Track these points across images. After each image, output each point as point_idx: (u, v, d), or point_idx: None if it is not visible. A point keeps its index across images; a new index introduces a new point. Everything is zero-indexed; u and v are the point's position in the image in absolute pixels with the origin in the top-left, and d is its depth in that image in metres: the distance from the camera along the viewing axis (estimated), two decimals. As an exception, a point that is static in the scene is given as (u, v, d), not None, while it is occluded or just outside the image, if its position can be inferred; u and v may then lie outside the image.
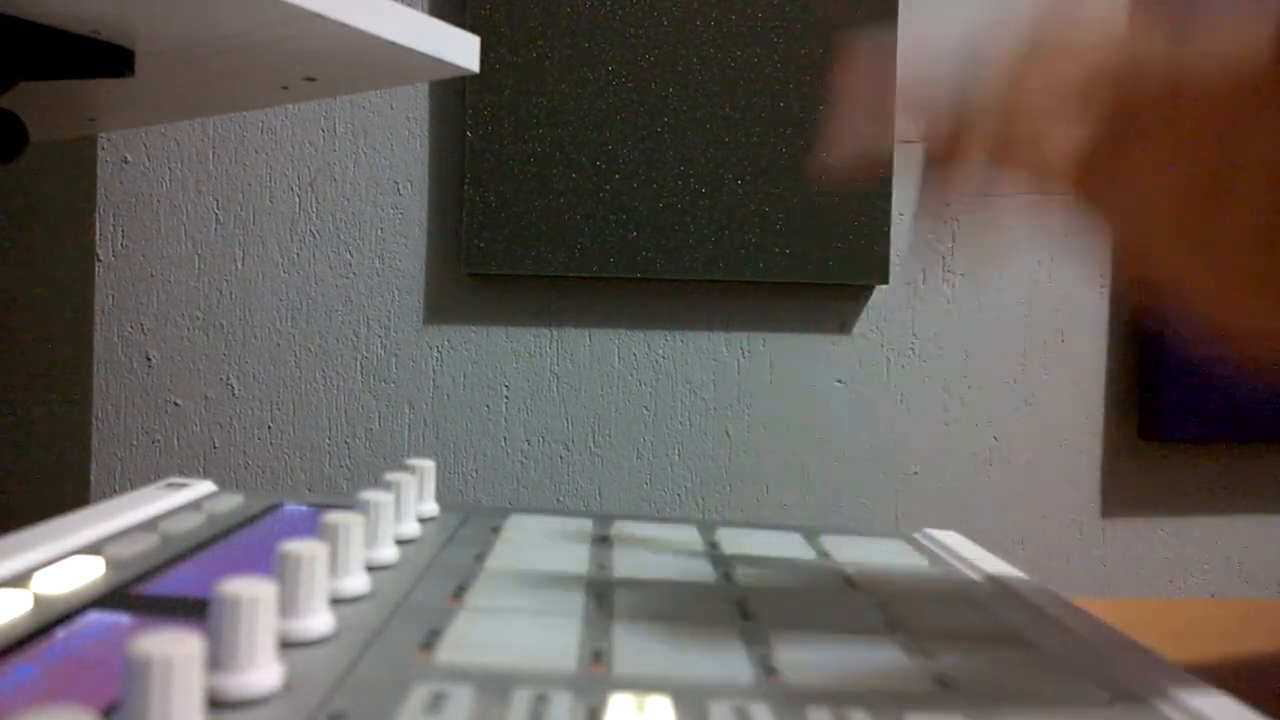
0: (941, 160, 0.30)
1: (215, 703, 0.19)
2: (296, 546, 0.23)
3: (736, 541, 0.38)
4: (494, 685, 0.21)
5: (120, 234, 1.21)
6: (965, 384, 1.27)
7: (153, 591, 0.27)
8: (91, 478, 1.21)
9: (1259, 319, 0.28)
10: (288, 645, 0.23)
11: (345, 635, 0.24)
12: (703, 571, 0.33)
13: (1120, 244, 0.30)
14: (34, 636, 0.23)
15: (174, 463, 1.21)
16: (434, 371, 1.23)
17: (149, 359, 1.21)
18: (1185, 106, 0.26)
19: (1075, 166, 0.29)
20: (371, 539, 0.30)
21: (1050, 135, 0.28)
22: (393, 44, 0.54)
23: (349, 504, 0.37)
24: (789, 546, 0.38)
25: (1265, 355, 0.29)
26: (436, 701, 0.20)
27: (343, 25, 0.50)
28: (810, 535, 0.40)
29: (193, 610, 0.25)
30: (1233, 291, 0.28)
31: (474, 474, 1.23)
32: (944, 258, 1.26)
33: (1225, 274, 0.28)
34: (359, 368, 1.22)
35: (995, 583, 0.35)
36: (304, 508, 0.39)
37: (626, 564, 0.33)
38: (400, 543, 0.33)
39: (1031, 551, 1.28)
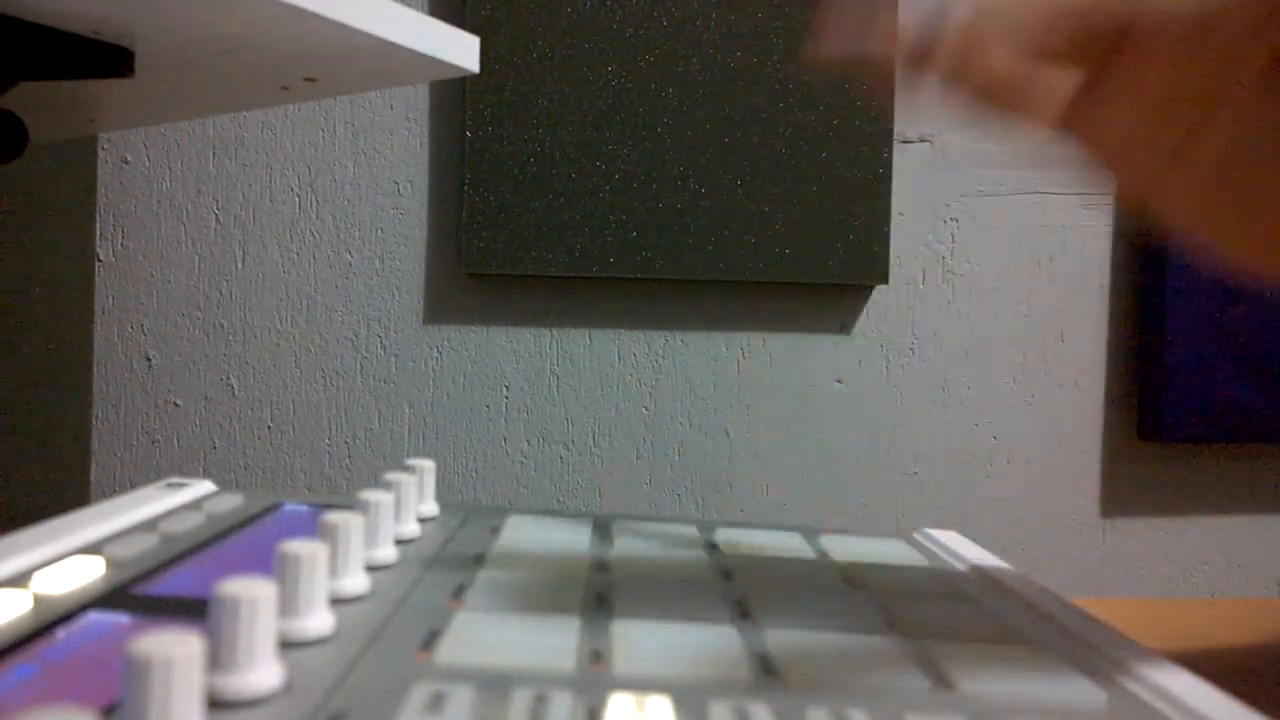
0: (913, 69, 0.29)
1: (215, 703, 0.19)
2: (296, 546, 0.23)
3: (736, 541, 0.38)
4: (494, 685, 0.21)
5: (120, 234, 1.21)
6: (965, 384, 1.27)
7: (153, 591, 0.27)
8: (91, 478, 1.21)
9: (1244, 235, 0.29)
10: (288, 645, 0.23)
11: (345, 635, 0.24)
12: (702, 571, 0.33)
13: (1109, 175, 0.31)
14: (34, 636, 0.23)
15: (174, 463, 1.21)
16: (434, 371, 1.23)
17: (149, 359, 1.21)
18: (1154, 31, 0.27)
19: (1053, 101, 0.29)
20: (371, 539, 0.30)
21: (1022, 69, 0.28)
22: (393, 44, 0.54)
23: (349, 504, 0.37)
24: (788, 546, 0.38)
25: (1256, 268, 0.30)
26: (436, 701, 0.20)
27: (342, 25, 0.50)
28: (810, 535, 0.40)
29: (193, 610, 0.25)
30: (1218, 210, 0.29)
31: (474, 474, 1.23)
32: (944, 258, 1.26)
33: (1209, 193, 0.29)
34: (359, 368, 1.22)
35: (994, 583, 0.35)
36: (304, 508, 0.39)
37: (626, 564, 0.33)
38: (400, 543, 0.33)
39: (1031, 551, 1.28)
